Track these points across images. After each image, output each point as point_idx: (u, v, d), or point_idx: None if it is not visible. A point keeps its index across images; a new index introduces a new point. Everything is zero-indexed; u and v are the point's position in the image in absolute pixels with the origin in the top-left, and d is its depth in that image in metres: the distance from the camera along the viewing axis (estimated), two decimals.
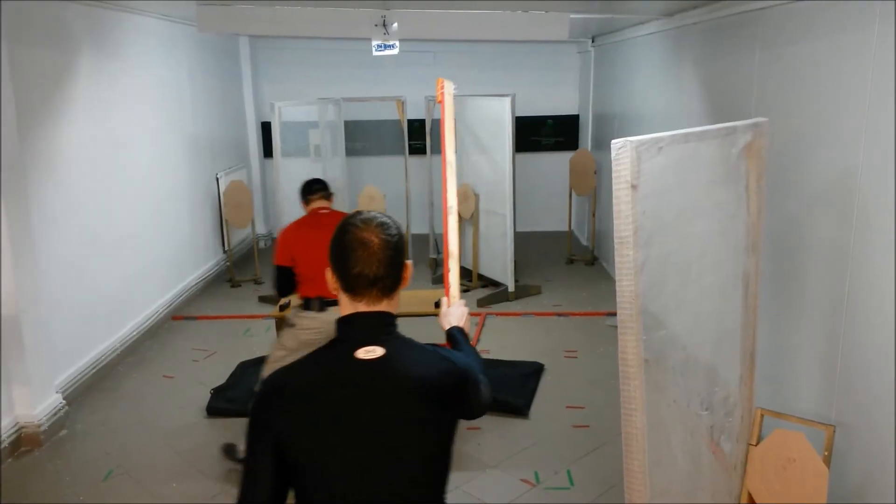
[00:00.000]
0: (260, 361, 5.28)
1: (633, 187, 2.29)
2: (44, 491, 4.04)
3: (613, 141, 2.31)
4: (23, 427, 4.49)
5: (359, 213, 1.70)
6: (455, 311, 2.11)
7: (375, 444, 1.62)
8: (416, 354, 1.69)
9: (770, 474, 3.09)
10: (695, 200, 2.63)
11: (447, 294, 2.19)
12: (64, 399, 4.83)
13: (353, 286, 1.65)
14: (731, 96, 4.52)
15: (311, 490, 1.64)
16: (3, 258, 4.30)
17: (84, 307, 5.37)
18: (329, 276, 1.69)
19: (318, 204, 4.23)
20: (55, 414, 4.67)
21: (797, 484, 2.98)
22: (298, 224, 4.17)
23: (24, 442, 4.49)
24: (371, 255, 1.63)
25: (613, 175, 2.32)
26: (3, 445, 4.31)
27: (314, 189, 4.26)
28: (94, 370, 5.41)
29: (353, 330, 1.67)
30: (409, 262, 1.74)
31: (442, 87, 2.36)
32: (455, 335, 2.03)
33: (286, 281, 4.07)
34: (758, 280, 3.01)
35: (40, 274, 4.69)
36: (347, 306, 1.69)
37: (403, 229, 1.96)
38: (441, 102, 2.38)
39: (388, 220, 1.70)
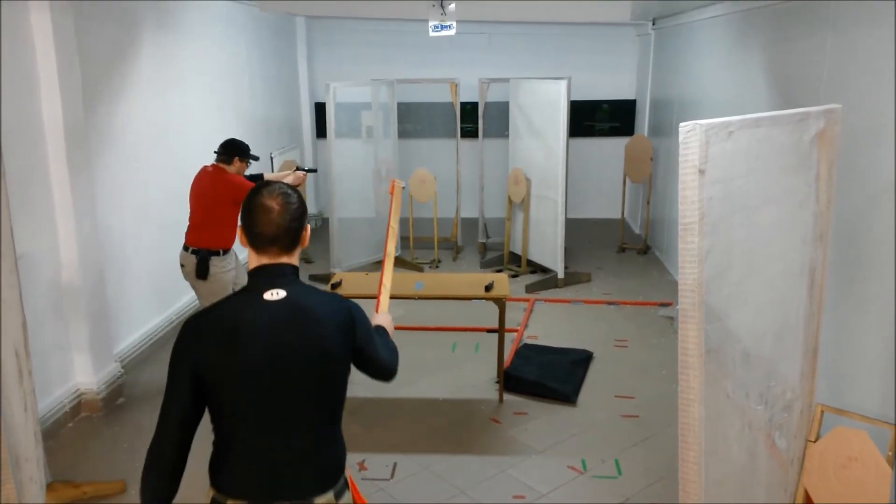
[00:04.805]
0: None
1: (701, 172, 2.23)
2: (101, 455, 4.18)
3: (682, 124, 2.24)
4: (82, 393, 4.63)
5: (268, 182, 1.98)
6: (381, 318, 2.44)
7: (278, 369, 1.89)
8: (313, 294, 2.00)
9: (829, 472, 3.00)
10: (763, 188, 2.54)
11: (378, 303, 2.61)
12: (122, 368, 4.97)
13: (256, 243, 1.95)
14: (798, 83, 4.36)
15: (223, 410, 1.94)
16: (67, 228, 4.43)
17: (142, 279, 5.50)
18: (239, 233, 1.99)
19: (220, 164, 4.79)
20: (113, 382, 4.81)
21: (858, 484, 2.89)
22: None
23: (84, 408, 4.64)
24: (271, 220, 1.91)
25: (680, 159, 2.25)
26: (63, 410, 4.47)
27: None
28: (150, 341, 5.55)
29: (260, 278, 1.96)
30: (307, 226, 2.02)
31: (393, 187, 2.83)
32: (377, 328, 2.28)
33: None
34: (825, 272, 2.91)
35: (101, 245, 4.82)
36: (254, 260, 1.99)
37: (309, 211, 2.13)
38: (392, 195, 2.83)
39: (290, 191, 1.97)
